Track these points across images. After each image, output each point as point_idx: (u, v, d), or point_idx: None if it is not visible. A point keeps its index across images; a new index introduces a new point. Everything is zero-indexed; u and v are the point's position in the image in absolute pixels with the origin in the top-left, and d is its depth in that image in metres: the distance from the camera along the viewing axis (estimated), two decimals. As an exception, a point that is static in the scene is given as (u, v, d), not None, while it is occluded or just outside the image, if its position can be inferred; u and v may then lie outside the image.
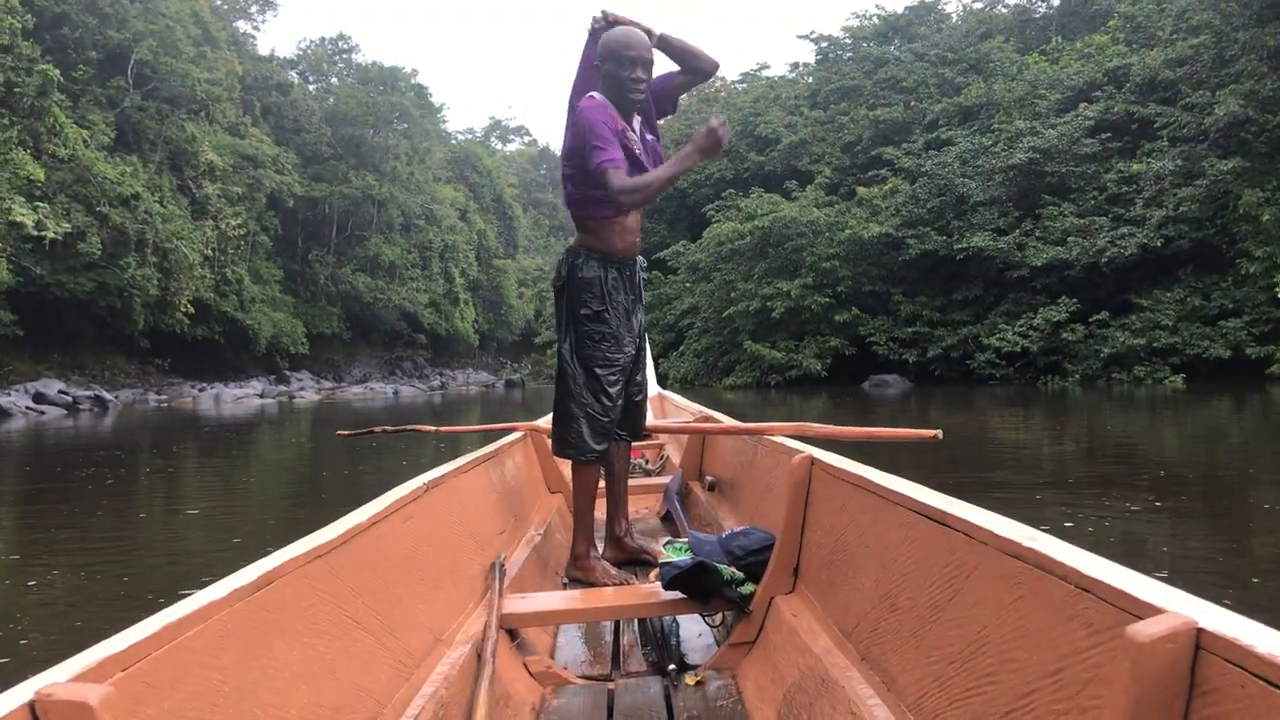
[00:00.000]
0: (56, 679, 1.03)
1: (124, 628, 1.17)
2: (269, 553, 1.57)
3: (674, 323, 33.53)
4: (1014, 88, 29.67)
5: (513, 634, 2.45)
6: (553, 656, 2.56)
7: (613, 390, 3.14)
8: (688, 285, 33.49)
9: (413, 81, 64.03)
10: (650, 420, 5.73)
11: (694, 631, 2.74)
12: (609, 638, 2.74)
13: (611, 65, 3.01)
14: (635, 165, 3.00)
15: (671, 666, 2.38)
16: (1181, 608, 0.97)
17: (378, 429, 5.44)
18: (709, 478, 4.28)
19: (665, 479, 4.77)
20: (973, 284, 26.56)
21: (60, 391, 26.80)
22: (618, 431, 3.32)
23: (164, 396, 35.07)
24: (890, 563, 1.79)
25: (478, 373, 61.68)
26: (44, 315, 34.39)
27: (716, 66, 3.23)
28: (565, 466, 3.76)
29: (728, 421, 4.19)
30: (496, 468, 3.51)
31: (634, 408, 3.40)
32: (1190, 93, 23.68)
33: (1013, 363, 24.39)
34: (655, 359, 19.64)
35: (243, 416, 23.37)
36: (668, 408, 7.05)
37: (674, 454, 5.47)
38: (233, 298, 43.58)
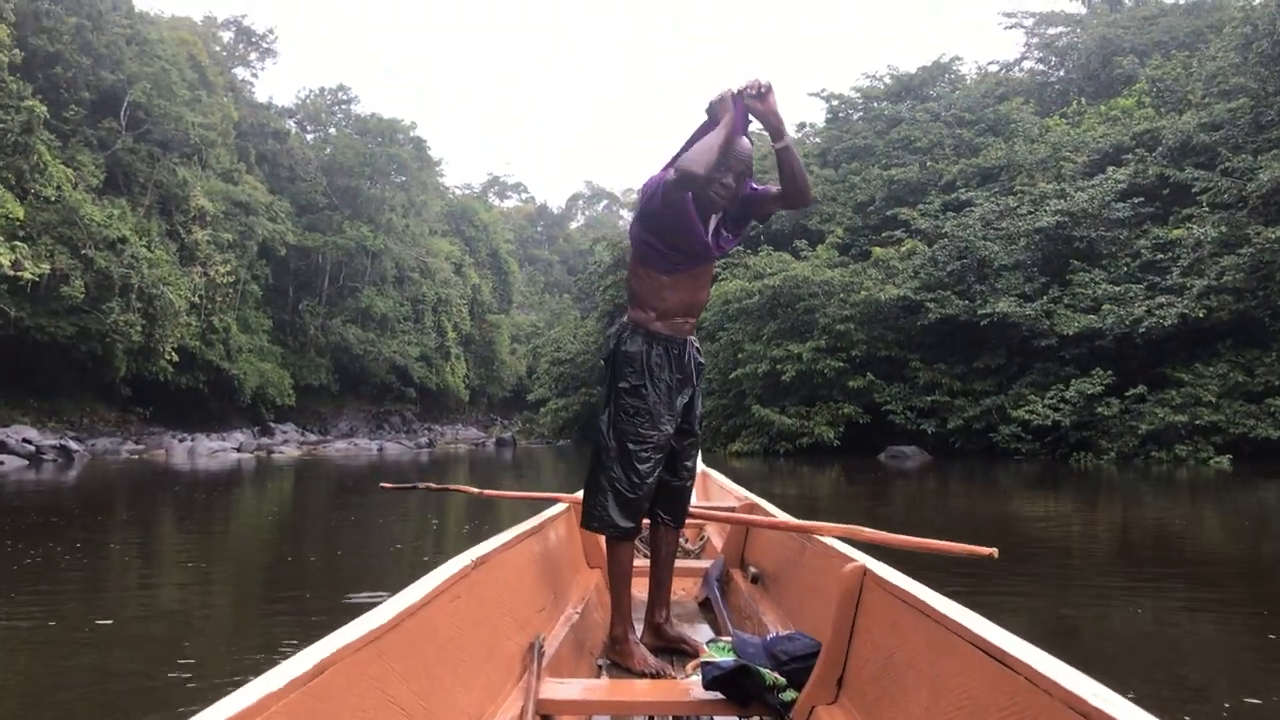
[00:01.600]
0: None
1: None
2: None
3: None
4: (1036, 149, 28.67)
5: None
6: None
7: (643, 468, 3.04)
8: (692, 345, 32.24)
9: (411, 134, 63.45)
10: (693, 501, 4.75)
11: None
12: None
13: None
14: (698, 243, 3.01)
15: None
16: None
17: (420, 485, 5.60)
18: (752, 568, 4.07)
19: (705, 563, 4.62)
20: (996, 352, 25.14)
21: (23, 440, 25.18)
22: (661, 515, 3.24)
23: (141, 446, 33.57)
24: (944, 692, 1.71)
25: (467, 429, 60.02)
26: (22, 359, 33.22)
27: (808, 203, 3.20)
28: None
29: (776, 514, 4.08)
30: (540, 542, 3.46)
31: (680, 493, 3.28)
32: (1230, 156, 22.61)
33: (1040, 437, 22.80)
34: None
35: (217, 472, 21.83)
36: (711, 488, 6.33)
37: (715, 537, 5.20)
38: (219, 346, 42.41)
